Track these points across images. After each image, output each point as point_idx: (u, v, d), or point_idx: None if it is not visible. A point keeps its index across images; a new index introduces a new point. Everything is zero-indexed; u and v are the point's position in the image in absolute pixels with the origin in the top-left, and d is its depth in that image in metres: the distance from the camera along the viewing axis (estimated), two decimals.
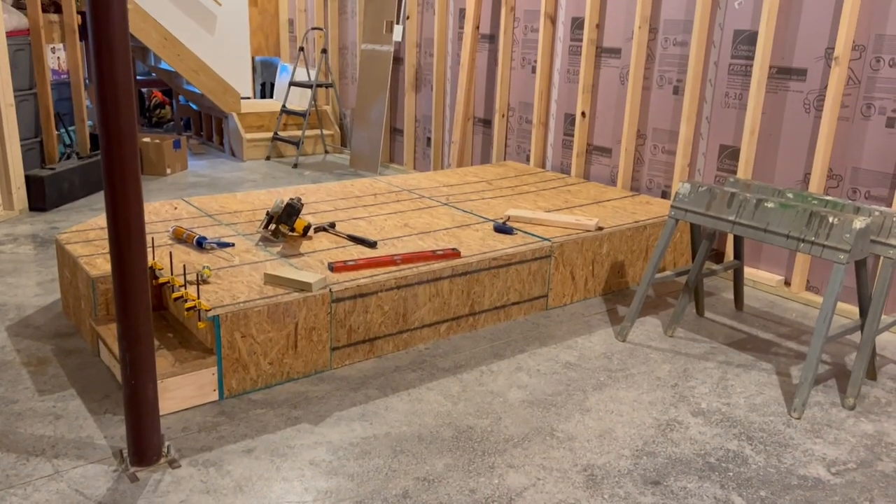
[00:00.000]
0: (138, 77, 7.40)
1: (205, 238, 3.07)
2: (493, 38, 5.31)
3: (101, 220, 3.42)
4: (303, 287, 2.67)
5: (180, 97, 7.54)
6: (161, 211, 3.61)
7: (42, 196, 4.66)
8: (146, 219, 3.46)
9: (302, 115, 6.54)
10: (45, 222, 4.49)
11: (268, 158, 6.71)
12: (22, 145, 4.99)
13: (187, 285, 2.63)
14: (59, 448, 2.23)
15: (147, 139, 5.93)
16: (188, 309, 2.50)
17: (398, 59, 6.23)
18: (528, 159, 5.18)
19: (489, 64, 5.38)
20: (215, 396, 2.53)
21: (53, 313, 3.18)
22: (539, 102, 4.94)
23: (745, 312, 3.52)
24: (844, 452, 2.38)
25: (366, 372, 2.80)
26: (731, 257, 3.86)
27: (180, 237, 3.14)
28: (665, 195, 4.33)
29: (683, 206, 3.03)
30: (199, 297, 2.52)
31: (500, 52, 5.15)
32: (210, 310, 2.46)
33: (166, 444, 2.24)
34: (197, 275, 2.69)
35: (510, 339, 3.14)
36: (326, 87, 6.94)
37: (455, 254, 3.11)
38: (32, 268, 3.74)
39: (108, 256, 2.93)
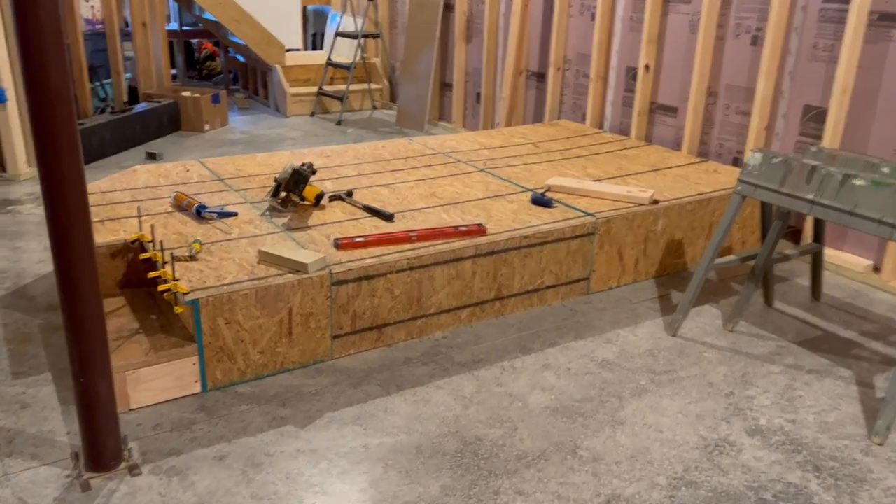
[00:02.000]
0: (185, 28, 7.18)
1: (205, 206, 2.79)
2: None
3: (105, 182, 3.18)
4: (298, 268, 2.35)
5: (229, 49, 7.29)
6: (171, 173, 3.35)
7: None
8: (155, 181, 3.21)
9: (347, 68, 6.18)
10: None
11: (312, 114, 6.40)
12: None
13: (171, 262, 2.35)
14: (16, 444, 2.01)
15: (186, 93, 5.70)
16: (163, 292, 2.22)
17: (449, 7, 5.76)
18: (584, 118, 4.69)
19: (545, 11, 4.87)
20: (198, 388, 2.26)
21: (52, 283, 2.98)
22: (598, 54, 4.43)
23: (824, 304, 3.02)
24: None
25: (371, 363, 2.48)
26: (811, 239, 3.34)
27: (181, 204, 2.86)
28: (737, 162, 3.80)
29: (753, 179, 2.55)
30: (175, 278, 2.23)
31: None
32: (188, 293, 2.18)
33: (129, 446, 1.98)
34: (190, 249, 2.41)
35: (541, 328, 2.76)
36: (374, 38, 6.54)
37: (480, 230, 2.73)
38: (44, 231, 3.56)
39: (105, 225, 2.68)
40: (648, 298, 3.03)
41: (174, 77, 7.70)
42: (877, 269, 3.22)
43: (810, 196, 2.37)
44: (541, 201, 3.07)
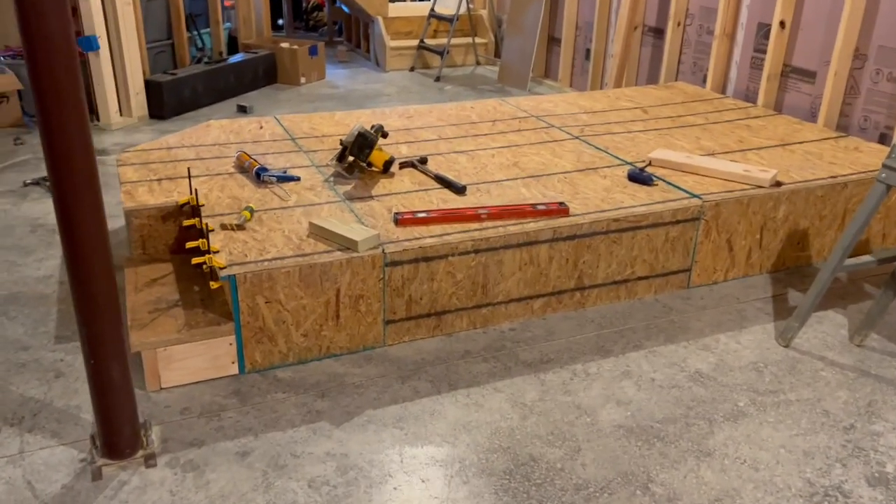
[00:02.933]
0: None
1: (265, 169, 2.59)
2: None
3: (174, 138, 3.06)
4: (348, 245, 2.11)
5: None
6: (244, 130, 3.18)
7: (161, 103, 4.45)
8: (225, 138, 3.05)
9: (449, 20, 5.84)
10: (160, 132, 4.27)
11: (412, 69, 6.13)
12: (152, 48, 4.81)
13: (206, 233, 2.16)
14: (40, 418, 1.90)
15: (285, 45, 5.56)
16: (196, 265, 2.04)
17: None
18: (704, 81, 4.16)
19: None
20: (235, 370, 2.09)
21: (120, 240, 2.90)
22: (725, 7, 3.88)
23: None
24: None
25: (425, 354, 2.22)
26: None
27: (243, 165, 2.68)
28: (884, 140, 3.22)
29: None
30: (213, 250, 2.04)
31: None
32: (225, 267, 1.99)
33: (150, 431, 1.83)
34: (239, 217, 2.22)
35: (626, 326, 2.40)
36: None
37: (561, 210, 2.39)
38: None
39: (161, 185, 2.55)
40: (760, 298, 2.60)
41: (280, 27, 7.62)
42: None
43: None
44: (639, 178, 2.67)
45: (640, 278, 2.55)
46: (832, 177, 2.75)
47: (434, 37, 6.33)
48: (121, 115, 4.33)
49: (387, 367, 2.15)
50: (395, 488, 1.70)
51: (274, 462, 1.77)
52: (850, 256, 2.23)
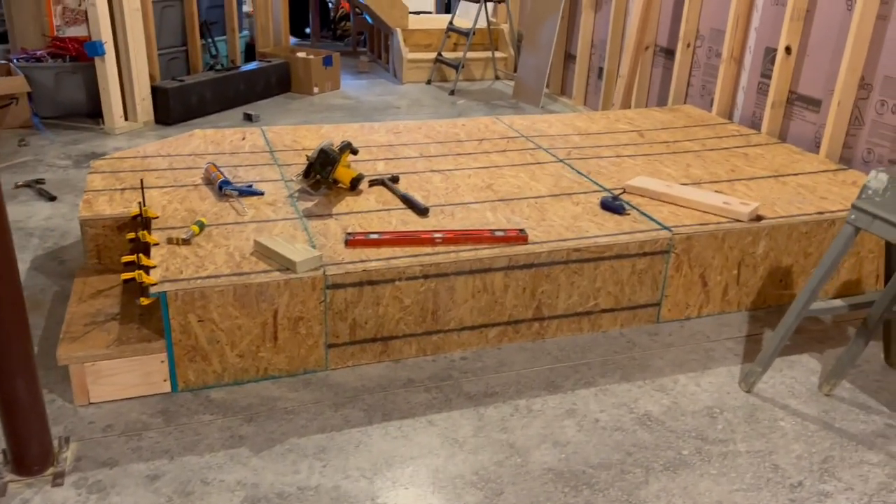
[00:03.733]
0: None
1: (228, 183, 2.57)
2: None
3: (153, 146, 3.06)
4: (287, 265, 2.06)
5: (358, 9, 7.12)
6: (225, 141, 3.18)
7: (167, 109, 4.49)
8: (204, 148, 3.05)
9: (466, 34, 5.79)
10: (161, 137, 4.31)
11: (428, 82, 6.09)
12: (166, 54, 4.87)
13: (154, 245, 2.15)
14: None
15: (301, 54, 5.58)
16: (125, 281, 2.02)
17: None
18: (711, 105, 4.02)
19: None
20: (167, 388, 2.06)
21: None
22: (733, 30, 3.75)
23: None
24: None
25: (367, 381, 2.16)
26: None
27: (209, 177, 2.67)
28: None
29: (871, 208, 1.93)
30: (147, 265, 2.02)
31: None
32: (155, 284, 1.96)
33: (67, 448, 1.81)
34: (187, 231, 2.20)
35: (583, 361, 2.31)
36: (497, 3, 6.08)
37: (520, 238, 2.31)
38: None
39: (124, 194, 2.55)
40: (733, 337, 2.47)
41: (307, 35, 7.68)
42: None
43: None
44: (611, 206, 2.57)
45: (604, 311, 2.45)
46: (819, 213, 2.61)
47: (454, 50, 6.29)
48: (126, 119, 4.39)
49: (323, 393, 2.10)
50: None
51: (182, 488, 1.73)
52: (824, 300, 2.10)
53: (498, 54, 6.30)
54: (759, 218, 2.54)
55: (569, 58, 5.50)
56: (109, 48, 4.13)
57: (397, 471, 1.81)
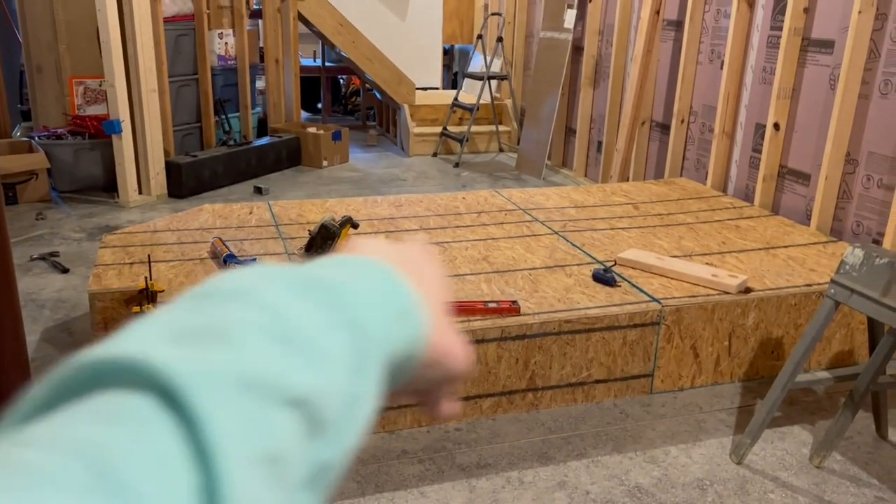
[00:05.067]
0: (328, 64, 7.38)
1: (233, 257, 2.68)
2: (679, 26, 4.31)
3: (163, 221, 3.19)
4: None
5: (367, 85, 7.40)
6: (232, 215, 3.30)
7: (180, 183, 4.66)
8: (212, 222, 3.17)
9: (469, 109, 6.00)
10: (174, 210, 4.46)
11: (434, 155, 6.28)
12: (182, 130, 5.08)
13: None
14: None
15: (312, 129, 5.80)
16: None
17: (578, 49, 5.41)
18: (706, 178, 4.14)
19: (673, 56, 4.39)
20: None
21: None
22: (724, 107, 3.89)
23: None
24: None
25: (362, 452, 2.20)
26: None
27: (215, 251, 2.77)
28: (877, 245, 3.12)
29: (849, 283, 2.00)
30: None
31: (685, 43, 4.16)
32: None
33: None
34: None
35: (576, 432, 2.34)
36: (500, 80, 6.31)
37: (513, 309, 2.38)
38: None
39: (132, 268, 2.65)
40: (726, 408, 2.50)
41: (319, 111, 7.95)
42: None
43: None
44: (602, 278, 2.65)
45: (597, 381, 2.50)
46: (807, 284, 2.67)
47: (459, 124, 6.49)
48: (140, 193, 4.55)
49: None
50: None
51: None
52: (811, 371, 2.14)
53: (502, 128, 6.49)
54: (747, 290, 2.60)
55: (569, 132, 5.67)
56: (126, 126, 4.32)
57: None
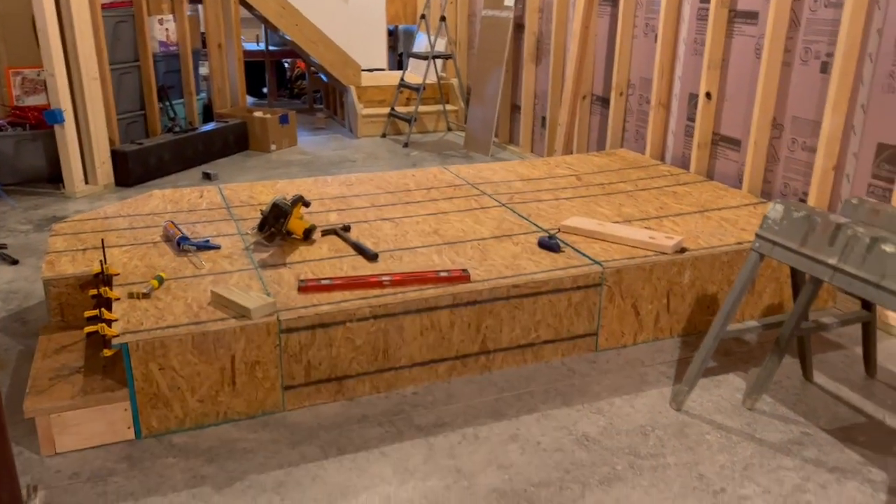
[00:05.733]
0: (272, 48, 7.34)
1: (186, 239, 2.71)
2: (614, 1, 4.45)
3: (113, 207, 3.20)
4: (242, 312, 2.21)
5: (313, 68, 7.39)
6: (183, 199, 3.32)
7: (127, 171, 4.63)
8: (163, 207, 3.19)
9: (416, 89, 6.06)
10: (123, 199, 4.44)
11: (383, 136, 6.33)
12: (126, 118, 5.03)
13: (115, 300, 2.27)
14: None
15: (258, 114, 5.78)
16: (89, 334, 2.14)
17: (520, 27, 5.51)
18: (645, 148, 4.30)
19: (610, 31, 4.53)
20: (131, 435, 2.16)
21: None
22: (659, 79, 4.05)
23: (880, 381, 2.53)
24: None
25: (323, 419, 2.29)
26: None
27: (168, 235, 2.81)
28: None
29: (771, 236, 2.15)
30: (109, 318, 2.14)
31: (621, 18, 4.29)
32: (117, 335, 2.08)
33: (36, 496, 1.90)
34: (147, 286, 2.33)
35: (527, 390, 2.47)
36: (445, 59, 6.39)
37: (463, 277, 2.48)
38: None
39: (86, 254, 2.67)
40: (667, 361, 2.66)
41: (265, 95, 7.90)
42: None
43: (832, 261, 1.96)
44: (547, 245, 2.77)
45: (545, 342, 2.62)
46: (738, 243, 2.84)
47: (406, 104, 6.56)
48: (86, 183, 4.51)
49: (281, 433, 2.22)
50: None
51: None
52: (741, 322, 2.30)
53: (449, 107, 6.58)
54: (683, 250, 2.76)
55: (514, 108, 5.79)
56: (69, 115, 4.27)
57: (352, 500, 1.94)
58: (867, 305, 2.40)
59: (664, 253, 2.73)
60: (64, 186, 4.44)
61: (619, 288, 2.66)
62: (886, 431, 2.25)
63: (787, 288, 2.96)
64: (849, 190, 3.05)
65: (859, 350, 2.72)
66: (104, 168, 4.57)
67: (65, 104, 4.22)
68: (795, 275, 2.33)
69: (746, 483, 2.01)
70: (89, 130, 4.42)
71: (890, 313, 2.86)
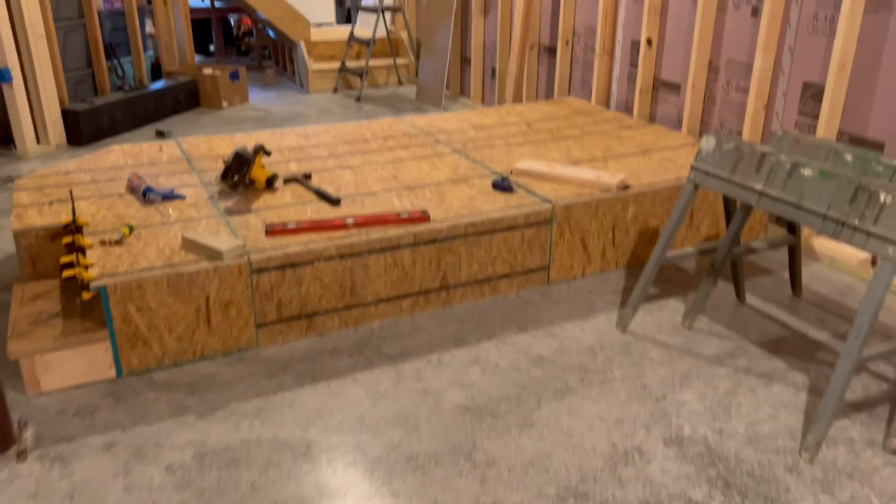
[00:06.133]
0: (218, 4, 7.24)
1: (151, 189, 2.79)
2: None
3: (73, 163, 3.23)
4: (214, 255, 2.32)
5: (260, 24, 7.32)
6: (143, 154, 3.37)
7: (79, 131, 4.61)
8: (124, 161, 3.24)
9: (366, 43, 6.10)
10: (77, 157, 4.42)
11: (335, 91, 6.37)
12: (72, 77, 4.97)
13: (88, 248, 2.36)
14: None
15: (207, 70, 5.76)
16: (66, 279, 2.23)
17: None
18: (591, 95, 4.46)
19: None
20: (113, 374, 2.27)
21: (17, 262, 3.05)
22: (603, 27, 4.20)
23: (805, 300, 2.78)
24: None
25: (296, 353, 2.44)
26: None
27: (132, 186, 2.87)
28: None
29: (704, 167, 2.35)
30: (87, 264, 2.23)
31: None
32: (95, 278, 2.18)
33: (26, 430, 2.00)
34: (118, 233, 2.42)
35: (486, 320, 2.65)
36: (394, 12, 6.43)
37: (423, 217, 2.63)
38: None
39: (52, 207, 2.73)
40: (612, 290, 2.87)
41: (212, 53, 7.81)
42: (874, 262, 2.94)
43: (759, 186, 2.16)
44: (501, 186, 2.93)
45: (501, 276, 2.80)
46: (677, 179, 3.04)
47: (357, 59, 6.58)
48: (38, 143, 4.48)
49: (257, 367, 2.36)
50: (246, 468, 1.91)
51: (137, 451, 1.96)
52: (679, 249, 2.50)
53: (399, 61, 6.63)
54: (626, 187, 2.95)
55: (465, 61, 5.88)
56: (16, 74, 4.22)
57: (328, 420, 2.10)
58: (792, 230, 2.63)
59: (609, 190, 2.91)
60: (16, 147, 4.41)
61: (568, 224, 2.84)
62: (809, 342, 2.50)
63: (723, 221, 3.18)
64: (778, 126, 3.27)
65: (788, 275, 2.97)
66: (55, 127, 4.54)
67: (12, 63, 4.17)
68: (728, 202, 2.54)
69: (685, 390, 2.23)
70: (38, 89, 4.38)
71: (816, 241, 3.12)
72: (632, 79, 4.13)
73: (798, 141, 2.35)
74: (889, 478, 1.88)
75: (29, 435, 2.01)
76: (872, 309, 1.83)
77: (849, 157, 2.19)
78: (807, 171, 2.03)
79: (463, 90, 6.00)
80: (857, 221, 1.89)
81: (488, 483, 1.86)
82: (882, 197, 1.84)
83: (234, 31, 8.06)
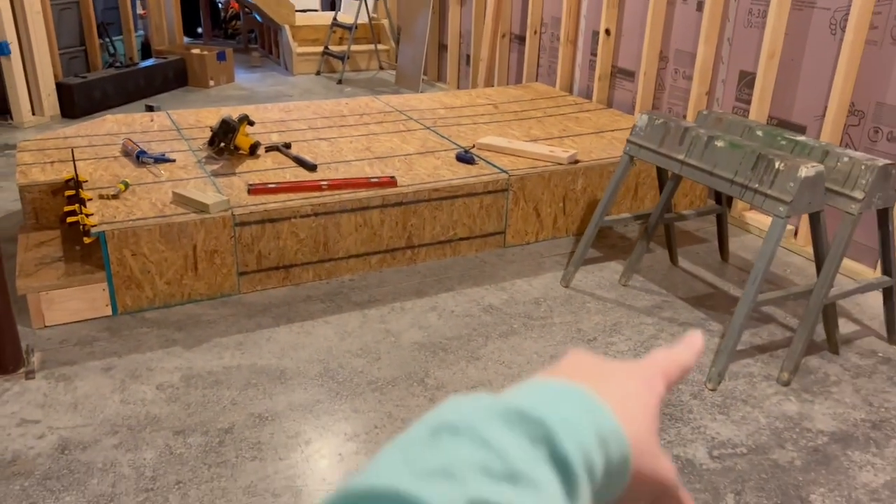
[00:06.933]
0: None
1: (144, 152, 3.06)
2: None
3: (71, 129, 3.50)
4: (201, 208, 2.60)
5: (247, 8, 7.56)
6: (136, 123, 3.64)
7: (72, 104, 4.85)
8: (118, 129, 3.51)
9: (349, 28, 6.37)
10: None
11: (318, 73, 6.63)
12: (66, 54, 5.20)
13: (79, 199, 2.63)
14: None
15: (196, 50, 6.00)
16: (70, 224, 2.51)
17: None
18: (556, 81, 4.77)
19: None
20: (109, 311, 2.55)
21: (18, 219, 3.31)
22: (567, 17, 4.50)
23: (731, 265, 3.11)
24: (743, 434, 2.07)
25: (273, 299, 2.73)
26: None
27: (126, 150, 3.14)
28: None
29: (638, 140, 2.66)
30: (87, 213, 2.51)
31: None
32: (96, 225, 2.46)
33: (33, 355, 2.29)
34: (115, 188, 2.69)
35: (446, 276, 2.95)
36: (376, 0, 6.69)
37: (391, 182, 2.93)
38: None
39: (53, 166, 2.99)
40: (561, 253, 3.18)
41: (200, 35, 8.03)
42: (795, 233, 3.28)
43: (681, 157, 2.48)
44: (464, 158, 3.23)
45: (462, 239, 3.10)
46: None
47: (339, 44, 6.84)
48: (34, 114, 4.72)
49: (238, 309, 2.65)
50: (228, 388, 2.20)
51: (131, 373, 2.25)
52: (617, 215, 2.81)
53: (380, 46, 6.90)
54: (576, 161, 3.26)
55: (442, 47, 6.17)
56: (14, 48, 4.46)
57: (300, 352, 2.39)
58: (719, 200, 2.95)
59: (560, 164, 3.22)
60: (12, 117, 4.65)
61: (523, 193, 3.15)
62: (729, 298, 2.83)
63: (682, 197, 3.50)
64: (719, 110, 3.59)
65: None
66: (50, 100, 4.78)
67: (10, 37, 4.41)
68: (660, 173, 2.86)
69: (614, 334, 2.55)
70: (34, 63, 4.62)
71: (748, 214, 3.45)
72: (592, 66, 4.45)
73: (720, 119, 2.67)
74: (777, 403, 2.21)
75: (36, 358, 2.29)
76: (766, 259, 2.16)
77: (760, 133, 2.51)
78: (720, 143, 2.35)
79: (440, 75, 6.29)
80: (757, 185, 2.22)
81: (437, 401, 2.15)
82: (777, 164, 2.17)
83: (222, 15, 8.28)
